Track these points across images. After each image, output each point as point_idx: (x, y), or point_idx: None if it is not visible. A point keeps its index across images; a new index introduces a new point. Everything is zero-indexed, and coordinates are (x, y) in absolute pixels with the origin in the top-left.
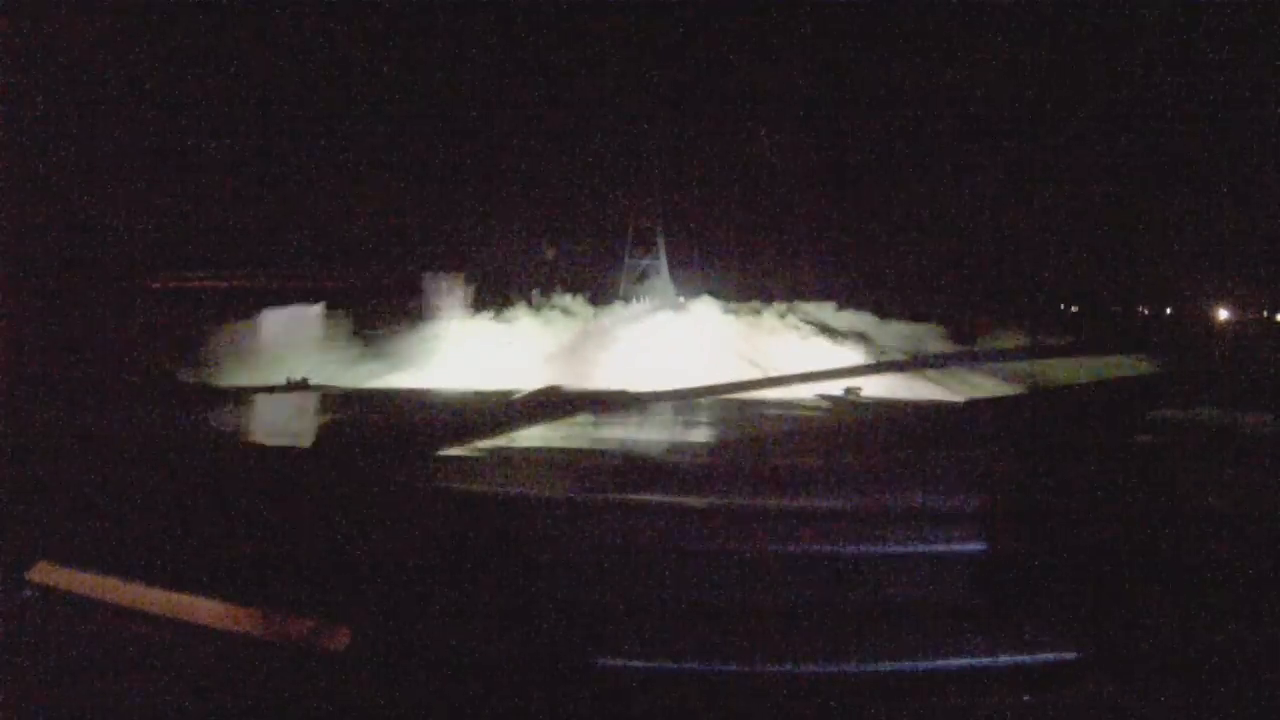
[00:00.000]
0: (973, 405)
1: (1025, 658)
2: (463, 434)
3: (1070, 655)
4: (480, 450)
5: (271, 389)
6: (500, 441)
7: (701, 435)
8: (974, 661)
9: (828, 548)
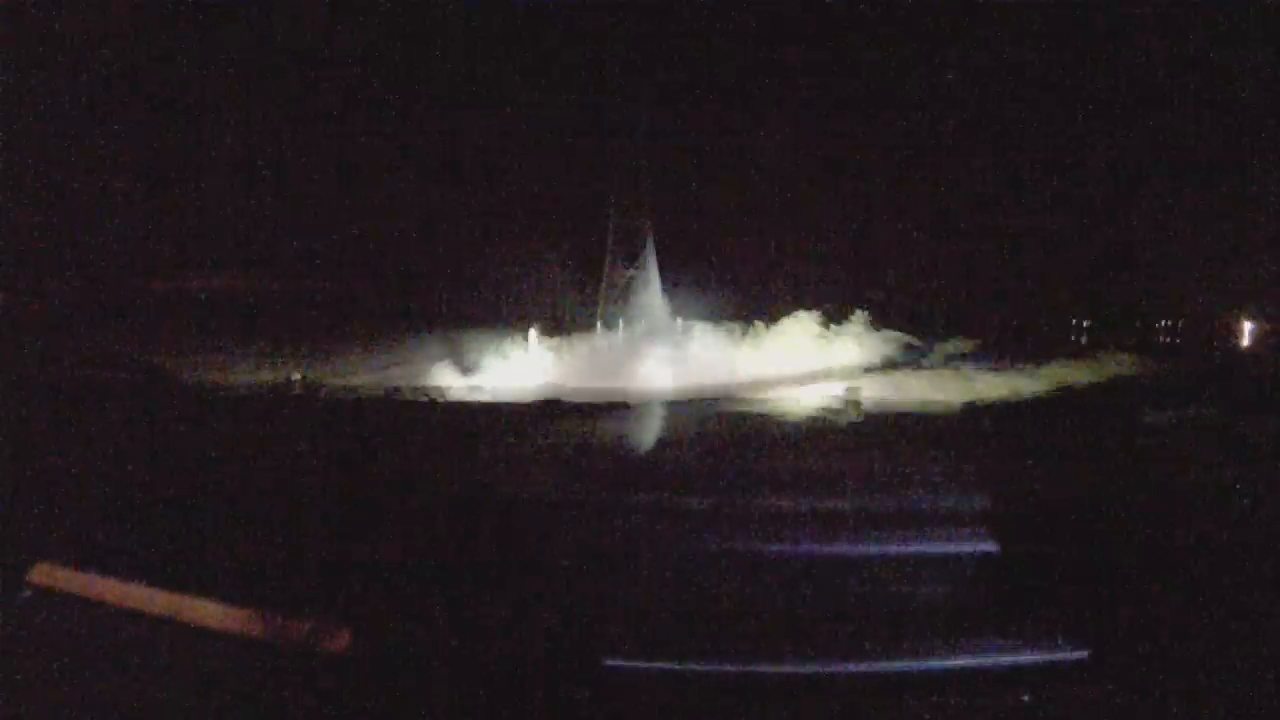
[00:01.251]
0: (972, 407)
1: (1025, 658)
2: (467, 439)
3: (1070, 655)
4: (483, 455)
5: (273, 391)
6: (503, 446)
7: (701, 440)
8: (974, 661)
9: (828, 548)
